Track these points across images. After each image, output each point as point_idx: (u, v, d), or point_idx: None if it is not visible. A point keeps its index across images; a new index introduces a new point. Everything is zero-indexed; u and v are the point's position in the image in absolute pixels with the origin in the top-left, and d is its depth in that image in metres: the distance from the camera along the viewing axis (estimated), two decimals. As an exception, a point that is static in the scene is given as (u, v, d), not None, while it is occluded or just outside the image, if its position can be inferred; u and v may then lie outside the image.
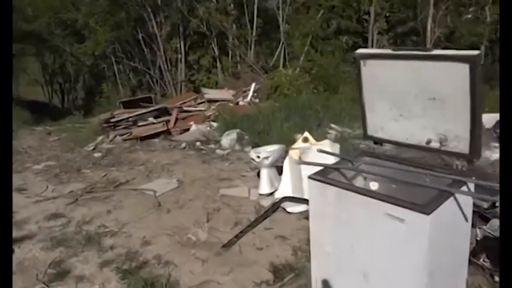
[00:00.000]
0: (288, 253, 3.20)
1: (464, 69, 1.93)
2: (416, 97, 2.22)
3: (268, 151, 4.27)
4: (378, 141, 2.52)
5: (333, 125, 7.26)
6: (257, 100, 9.23)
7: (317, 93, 9.90)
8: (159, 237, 3.58)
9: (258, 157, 4.25)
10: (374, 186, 2.52)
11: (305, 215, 3.82)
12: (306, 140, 5.07)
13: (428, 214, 1.78)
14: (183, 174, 5.20)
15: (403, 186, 2.26)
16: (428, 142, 2.27)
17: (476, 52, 1.94)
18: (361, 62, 2.35)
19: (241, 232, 3.52)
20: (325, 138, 6.09)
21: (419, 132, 2.29)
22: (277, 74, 10.23)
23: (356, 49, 2.45)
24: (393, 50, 2.24)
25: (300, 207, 3.90)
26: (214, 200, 4.31)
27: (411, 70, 2.18)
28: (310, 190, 2.26)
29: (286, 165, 4.19)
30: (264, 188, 4.29)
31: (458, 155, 2.18)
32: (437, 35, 12.43)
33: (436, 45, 12.85)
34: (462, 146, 2.14)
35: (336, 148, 4.24)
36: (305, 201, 3.97)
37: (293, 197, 4.02)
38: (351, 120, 7.60)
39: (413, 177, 2.22)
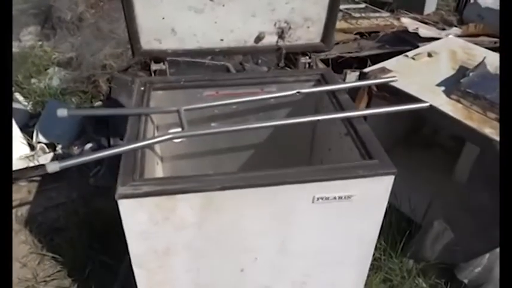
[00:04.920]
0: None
1: None
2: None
3: None
4: (162, 58, 1.33)
5: None
6: None
7: None
8: None
9: None
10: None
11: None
12: None
13: (394, 174, 1.04)
14: None
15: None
16: (261, 38, 1.34)
17: None
18: None
19: None
20: None
21: (244, 26, 1.30)
22: None
23: None
24: None
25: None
26: None
27: None
28: (126, 219, 0.96)
29: None
30: None
31: (304, 47, 1.40)
32: None
33: None
34: (313, 33, 1.36)
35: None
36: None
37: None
38: None
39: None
